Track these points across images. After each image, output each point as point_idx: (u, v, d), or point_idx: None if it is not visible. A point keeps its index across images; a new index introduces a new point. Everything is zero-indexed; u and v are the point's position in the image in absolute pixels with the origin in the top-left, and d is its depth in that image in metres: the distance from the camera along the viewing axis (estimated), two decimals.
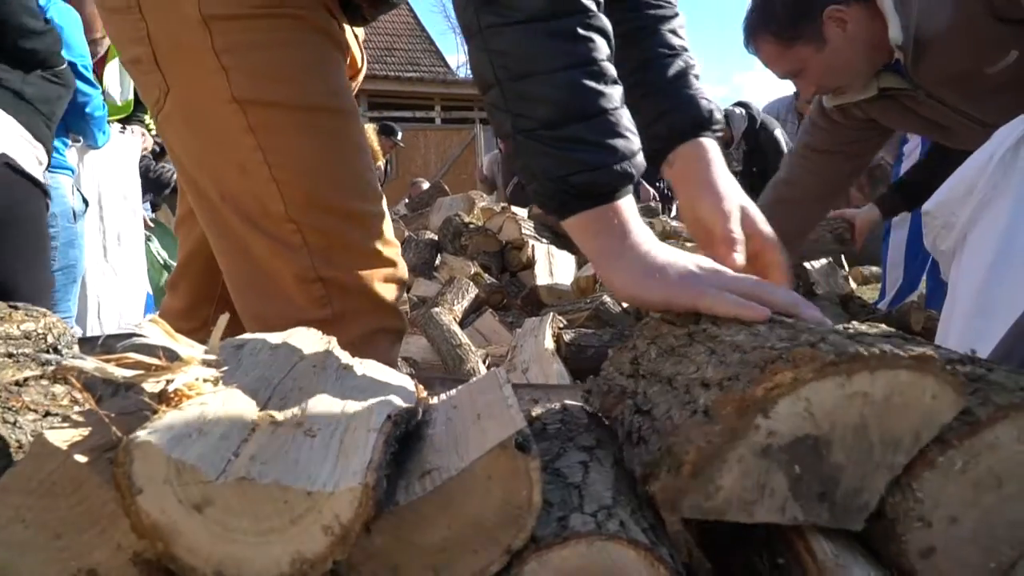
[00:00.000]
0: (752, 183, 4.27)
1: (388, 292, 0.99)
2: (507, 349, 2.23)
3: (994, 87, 1.63)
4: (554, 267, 3.17)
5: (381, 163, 6.90)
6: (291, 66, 0.90)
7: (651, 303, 0.70)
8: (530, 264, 3.21)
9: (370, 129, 6.44)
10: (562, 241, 3.47)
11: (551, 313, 2.31)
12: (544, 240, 3.39)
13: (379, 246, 0.98)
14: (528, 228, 3.46)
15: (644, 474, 0.51)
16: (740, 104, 4.43)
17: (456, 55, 37.17)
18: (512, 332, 2.45)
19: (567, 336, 2.20)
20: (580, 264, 3.21)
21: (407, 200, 5.46)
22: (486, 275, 3.20)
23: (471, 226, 3.59)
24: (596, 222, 0.70)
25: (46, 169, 1.66)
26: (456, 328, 2.38)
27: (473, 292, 2.91)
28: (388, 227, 1.02)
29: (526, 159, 0.70)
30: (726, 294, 0.63)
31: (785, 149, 4.13)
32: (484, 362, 2.25)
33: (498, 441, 0.46)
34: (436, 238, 3.76)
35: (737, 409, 0.45)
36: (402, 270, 1.02)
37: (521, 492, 0.46)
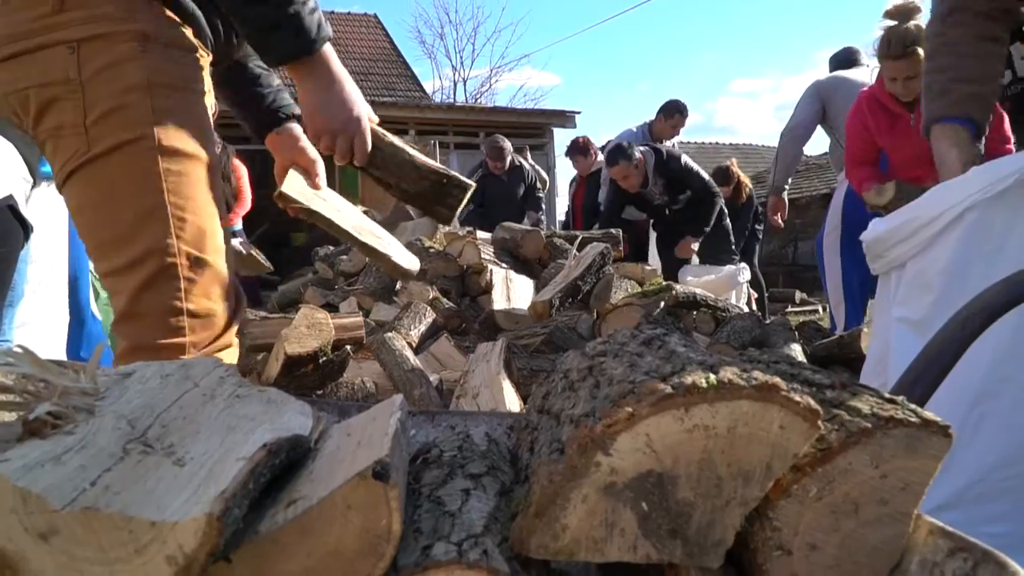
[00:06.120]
0: (683, 212, 4.54)
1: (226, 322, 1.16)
2: (460, 374, 2.23)
3: None
4: (512, 292, 3.18)
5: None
6: (200, 129, 1.12)
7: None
8: (489, 289, 3.22)
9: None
10: (521, 266, 3.48)
11: (503, 338, 2.32)
12: (503, 265, 3.40)
13: (220, 288, 1.14)
14: (488, 253, 3.47)
15: (513, 514, 0.51)
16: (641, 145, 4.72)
17: (431, 80, 37.46)
18: (467, 357, 2.45)
19: (519, 362, 2.21)
20: (537, 289, 3.23)
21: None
22: (445, 300, 3.20)
23: (431, 251, 3.60)
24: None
25: None
26: (409, 353, 2.37)
27: (430, 317, 2.91)
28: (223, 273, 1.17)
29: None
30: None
31: (695, 168, 4.54)
32: (438, 387, 2.24)
33: (358, 470, 0.46)
34: None
35: (578, 448, 0.44)
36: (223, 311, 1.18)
37: (380, 521, 0.46)
